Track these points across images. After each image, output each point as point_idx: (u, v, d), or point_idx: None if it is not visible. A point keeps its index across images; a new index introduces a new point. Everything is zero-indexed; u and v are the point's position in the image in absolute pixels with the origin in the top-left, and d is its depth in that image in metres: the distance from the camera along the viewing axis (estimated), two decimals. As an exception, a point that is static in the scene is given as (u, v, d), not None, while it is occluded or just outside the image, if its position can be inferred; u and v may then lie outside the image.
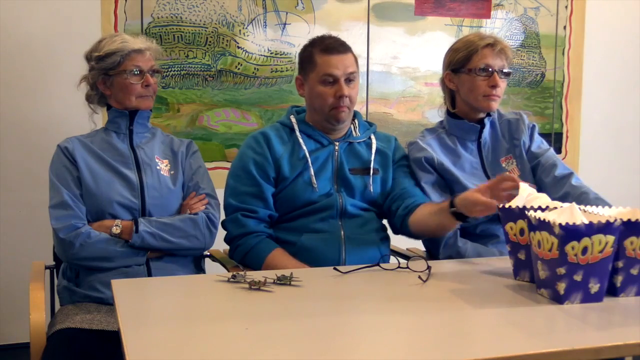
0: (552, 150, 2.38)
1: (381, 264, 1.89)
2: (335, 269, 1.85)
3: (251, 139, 2.21)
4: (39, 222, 2.90)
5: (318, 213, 2.12)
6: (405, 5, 3.45)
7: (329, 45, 2.13)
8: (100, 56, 2.13)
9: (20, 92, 2.99)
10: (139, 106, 2.15)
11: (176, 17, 3.12)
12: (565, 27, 3.73)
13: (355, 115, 2.27)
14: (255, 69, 3.25)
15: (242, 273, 1.72)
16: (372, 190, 2.18)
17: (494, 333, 1.39)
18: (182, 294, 1.73)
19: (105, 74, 2.14)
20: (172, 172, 2.17)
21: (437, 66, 3.50)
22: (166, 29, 3.12)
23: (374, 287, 1.77)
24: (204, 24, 3.16)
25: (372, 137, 2.27)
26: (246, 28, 3.22)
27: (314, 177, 2.13)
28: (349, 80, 2.13)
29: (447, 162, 2.26)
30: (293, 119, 2.22)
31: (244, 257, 2.10)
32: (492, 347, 1.30)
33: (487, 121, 2.30)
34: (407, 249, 2.45)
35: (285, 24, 3.27)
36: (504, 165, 2.30)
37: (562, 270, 1.52)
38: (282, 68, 3.26)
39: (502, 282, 1.84)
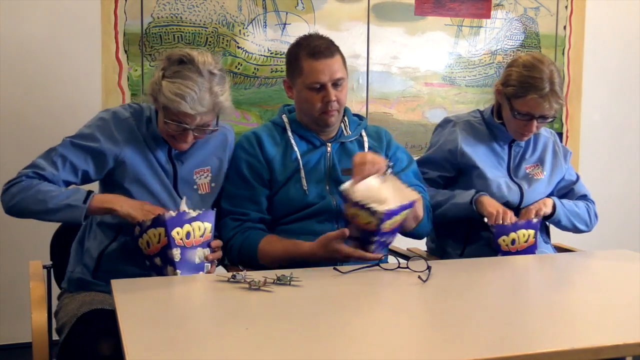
0: (579, 181, 2.48)
1: (381, 264, 1.89)
2: (335, 269, 1.85)
3: (243, 140, 2.18)
4: (38, 222, 2.90)
5: (314, 217, 2.10)
6: (405, 5, 3.45)
7: (315, 50, 2.06)
8: (155, 94, 1.92)
9: (20, 92, 2.98)
10: (173, 147, 2.00)
11: (176, 17, 3.12)
12: (565, 27, 3.73)
13: (345, 112, 2.23)
14: (255, 69, 3.25)
15: (242, 273, 1.72)
16: None
17: (494, 333, 1.39)
18: (182, 294, 1.73)
19: (155, 99, 1.95)
20: (212, 185, 2.08)
21: (437, 66, 3.53)
22: (166, 29, 3.12)
23: (374, 287, 1.77)
24: (204, 24, 3.16)
25: (363, 133, 2.23)
26: (246, 28, 3.22)
27: (304, 180, 2.10)
28: (337, 84, 2.08)
29: (472, 150, 2.29)
30: (285, 119, 2.19)
31: (238, 253, 2.08)
32: (492, 347, 1.30)
33: None
34: (407, 249, 2.45)
35: (285, 24, 3.27)
36: (528, 171, 2.33)
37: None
38: (282, 68, 3.25)
39: (502, 282, 1.85)
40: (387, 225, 1.90)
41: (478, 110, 2.43)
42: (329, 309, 1.56)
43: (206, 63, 1.91)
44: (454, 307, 1.56)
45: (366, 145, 2.20)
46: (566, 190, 2.42)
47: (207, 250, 1.88)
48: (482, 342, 1.33)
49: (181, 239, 1.82)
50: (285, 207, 2.12)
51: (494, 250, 2.17)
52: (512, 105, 2.21)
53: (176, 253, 1.82)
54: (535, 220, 2.18)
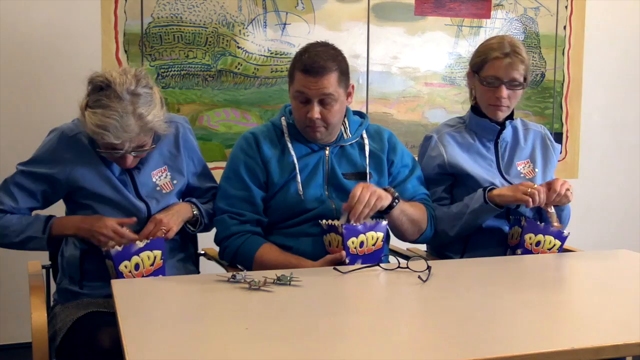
0: None
1: (381, 264, 1.89)
2: (335, 269, 1.85)
3: (242, 140, 2.17)
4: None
5: (313, 220, 2.08)
6: (405, 5, 3.45)
7: (307, 67, 2.01)
8: (82, 124, 1.87)
9: (20, 92, 2.98)
10: (119, 165, 1.96)
11: (176, 17, 3.12)
12: (565, 27, 3.73)
13: (346, 112, 2.20)
14: (255, 69, 3.25)
15: (242, 273, 1.72)
16: None
17: (494, 333, 1.39)
18: (182, 294, 1.73)
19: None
20: (175, 182, 2.06)
21: (437, 66, 3.53)
22: (166, 29, 3.11)
23: (374, 287, 1.77)
24: (204, 24, 3.16)
25: (364, 135, 2.21)
26: (246, 28, 3.22)
27: (300, 185, 2.09)
28: (325, 102, 2.04)
29: (459, 160, 2.26)
30: (284, 122, 2.16)
31: (233, 258, 2.08)
32: (492, 347, 1.30)
33: (508, 124, 2.31)
34: (407, 249, 2.45)
35: (285, 24, 3.27)
36: (519, 168, 2.31)
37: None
38: (282, 68, 3.26)
39: (502, 282, 1.85)
40: (353, 243, 1.93)
41: (457, 117, 2.43)
42: (329, 309, 1.56)
43: (126, 84, 1.82)
44: (454, 307, 1.56)
45: (367, 148, 2.18)
46: None
47: (179, 277, 1.88)
48: (482, 342, 1.33)
49: (130, 272, 1.82)
50: (282, 211, 2.11)
51: (510, 246, 2.19)
52: (480, 77, 2.23)
53: None
54: (565, 233, 2.17)
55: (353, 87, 2.14)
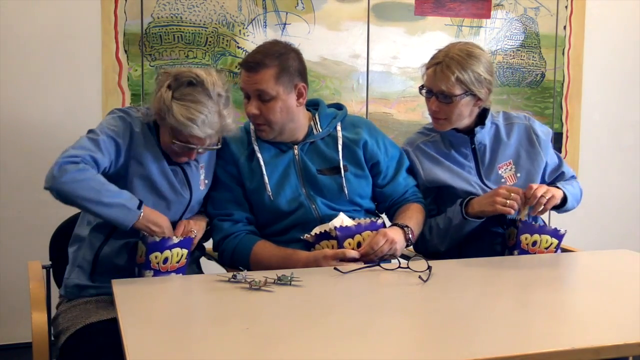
0: (563, 162, 2.36)
1: (381, 264, 1.89)
2: (335, 269, 1.85)
3: None
4: (37, 223, 2.90)
5: (299, 225, 2.06)
6: (405, 5, 3.45)
7: (245, 61, 2.03)
8: (163, 114, 1.89)
9: (20, 92, 2.98)
10: (174, 159, 1.98)
11: (176, 17, 3.12)
12: (565, 27, 3.73)
13: (319, 105, 2.16)
14: (255, 69, 3.24)
15: (242, 273, 1.72)
16: (347, 192, 2.09)
17: (494, 333, 1.39)
18: (182, 294, 1.73)
19: (162, 117, 1.90)
20: (206, 182, 2.08)
21: (437, 66, 3.52)
22: (166, 29, 3.11)
23: (374, 287, 1.77)
24: (204, 24, 3.16)
25: (339, 127, 2.14)
26: (246, 28, 3.22)
27: (268, 186, 2.05)
28: (262, 99, 2.01)
29: (437, 173, 2.21)
30: (251, 125, 2.12)
31: (230, 260, 2.07)
32: (492, 347, 1.30)
33: (478, 130, 2.21)
34: (407, 249, 2.45)
35: (285, 24, 3.27)
36: (500, 171, 2.23)
37: None
38: (282, 68, 3.25)
39: (502, 281, 1.85)
40: (350, 244, 1.95)
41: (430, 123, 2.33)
42: (329, 309, 1.56)
43: (215, 85, 1.91)
44: (454, 307, 1.56)
45: (340, 141, 2.12)
46: (557, 174, 2.31)
47: (179, 277, 1.89)
48: (482, 342, 1.33)
49: (157, 263, 1.84)
50: (261, 215, 2.10)
51: (508, 247, 2.16)
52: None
53: (148, 275, 1.84)
54: (561, 231, 2.16)
55: (304, 87, 2.06)
